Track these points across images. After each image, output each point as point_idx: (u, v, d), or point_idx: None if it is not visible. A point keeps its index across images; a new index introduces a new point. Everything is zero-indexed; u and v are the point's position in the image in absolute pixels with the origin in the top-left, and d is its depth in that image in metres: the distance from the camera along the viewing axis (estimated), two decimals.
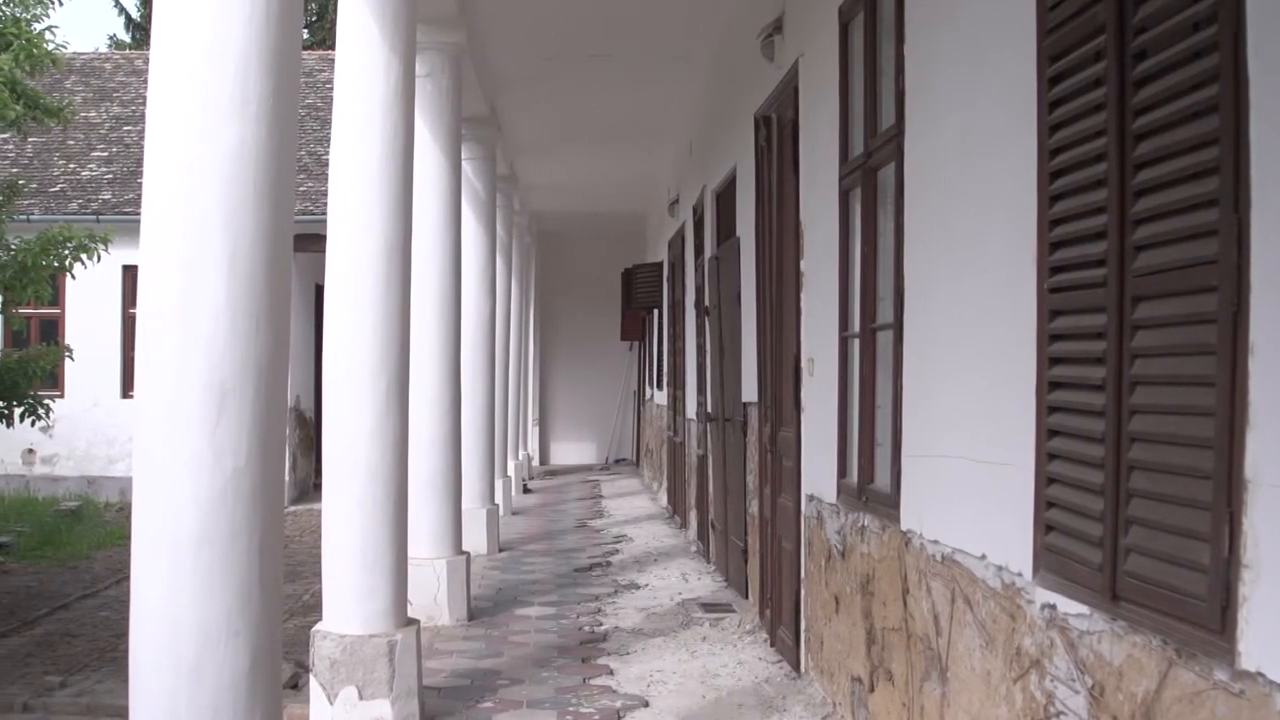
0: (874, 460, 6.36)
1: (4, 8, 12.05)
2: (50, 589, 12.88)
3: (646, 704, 7.49)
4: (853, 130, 6.84)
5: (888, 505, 5.88)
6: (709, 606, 10.45)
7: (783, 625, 8.51)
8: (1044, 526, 3.99)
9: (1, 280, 11.09)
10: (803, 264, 7.97)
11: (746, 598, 10.41)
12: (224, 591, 4.11)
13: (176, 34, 4.23)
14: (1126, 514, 3.43)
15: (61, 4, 12.30)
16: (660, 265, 20.16)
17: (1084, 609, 3.68)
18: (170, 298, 4.16)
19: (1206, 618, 2.99)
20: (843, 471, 6.89)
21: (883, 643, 5.98)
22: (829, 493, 7.12)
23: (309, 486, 20.86)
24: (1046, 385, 3.99)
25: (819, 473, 7.42)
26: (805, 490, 7.82)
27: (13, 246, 11.26)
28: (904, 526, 5.60)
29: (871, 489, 6.27)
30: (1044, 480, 4.00)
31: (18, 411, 11.68)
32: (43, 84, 15.86)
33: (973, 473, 4.75)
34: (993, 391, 4.57)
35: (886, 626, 5.91)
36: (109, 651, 9.94)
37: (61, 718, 8.30)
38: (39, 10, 12.07)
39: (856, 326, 6.65)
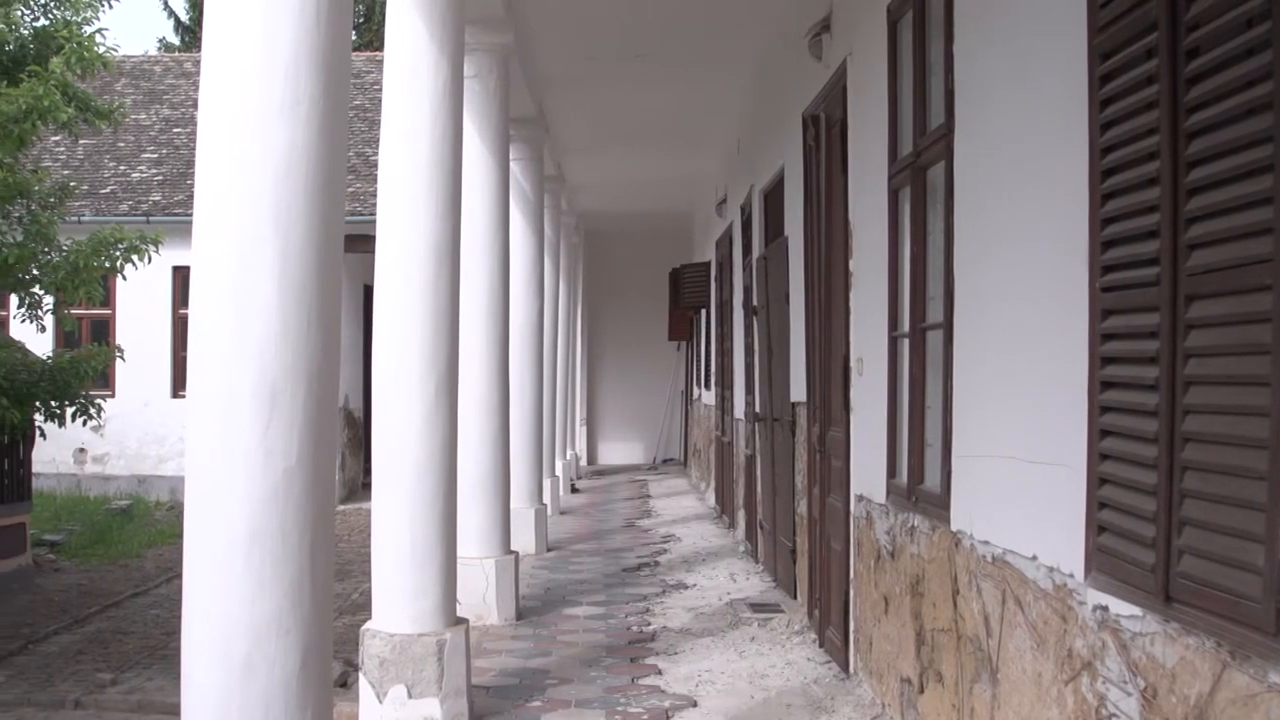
0: (924, 460, 6.33)
1: (55, 11, 12.16)
2: (101, 587, 13.01)
3: (695, 704, 7.49)
4: (902, 129, 6.81)
5: (938, 506, 5.85)
6: (757, 607, 10.44)
7: (831, 626, 8.49)
8: (1096, 527, 3.97)
9: (54, 281, 11.17)
10: (851, 263, 7.95)
11: (795, 598, 10.39)
12: (275, 590, 4.14)
13: (227, 36, 4.27)
14: (1180, 515, 3.41)
15: (111, 7, 12.38)
16: (708, 265, 20.15)
17: (1136, 610, 3.65)
18: (222, 298, 4.20)
19: (1261, 620, 2.96)
20: (892, 472, 6.86)
21: (932, 644, 5.96)
22: (878, 493, 7.10)
23: (358, 486, 20.97)
24: (1099, 385, 3.96)
25: (868, 473, 7.40)
26: (854, 490, 7.79)
27: (64, 248, 11.35)
28: (954, 527, 5.58)
29: (921, 489, 6.25)
30: (1096, 481, 3.97)
31: (69, 411, 11.76)
32: (93, 86, 16.00)
33: (1024, 473, 4.73)
34: (1044, 391, 4.54)
35: (936, 627, 5.88)
36: (160, 649, 10.03)
37: (113, 714, 8.39)
38: (89, 14, 12.16)
39: (906, 326, 6.63)
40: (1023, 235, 4.83)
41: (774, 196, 12.05)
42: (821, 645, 8.78)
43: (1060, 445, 4.28)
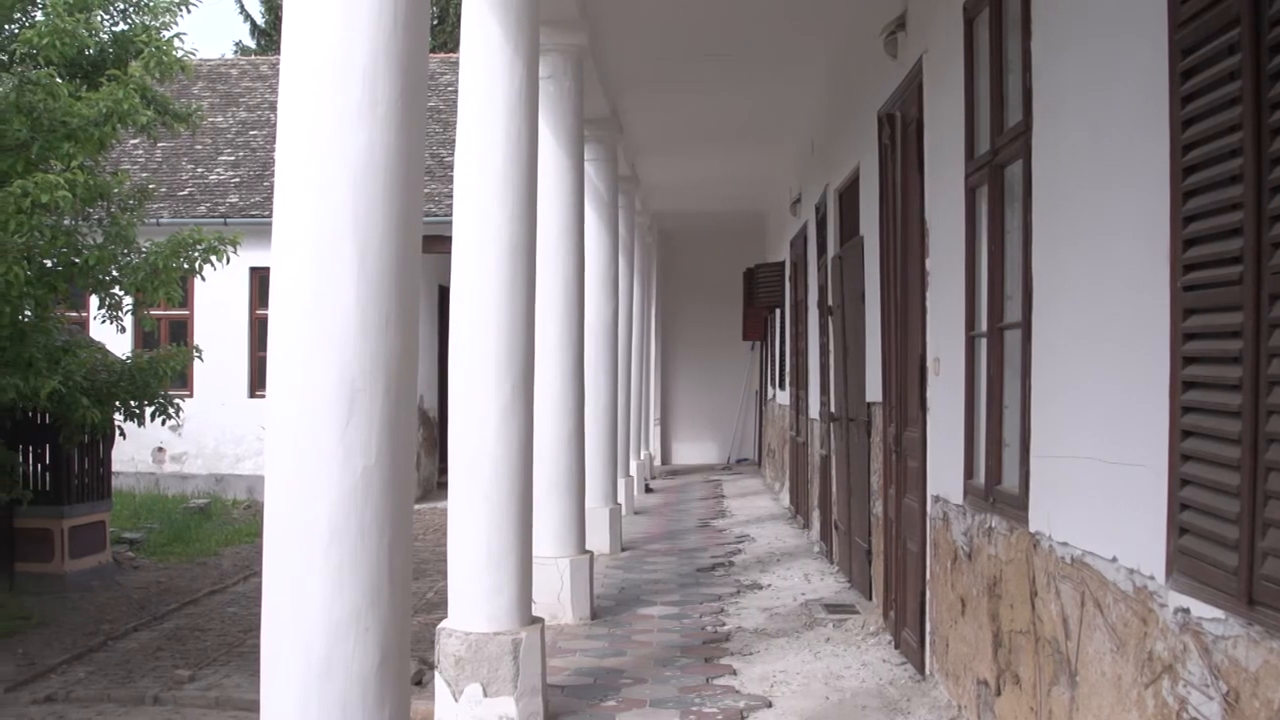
0: (1001, 461, 6.28)
1: (134, 16, 12.31)
2: (179, 585, 13.17)
3: (770, 704, 7.47)
4: (979, 127, 6.76)
5: (1016, 506, 5.81)
6: (832, 607, 10.40)
7: (907, 627, 8.44)
8: (1178, 529, 3.92)
9: (133, 282, 11.32)
10: (928, 263, 7.91)
11: (870, 599, 10.34)
12: (354, 588, 4.18)
13: (306, 39, 4.31)
14: (1264, 517, 3.36)
15: (189, 11, 12.53)
16: (782, 265, 20.09)
17: (1219, 613, 3.60)
18: (301, 299, 4.24)
19: None
20: (969, 472, 6.81)
21: (1010, 646, 5.91)
22: (955, 494, 7.06)
23: (432, 485, 21.10)
24: (1180, 385, 3.92)
25: (945, 473, 7.35)
26: (931, 491, 7.75)
27: (144, 249, 11.49)
28: (1032, 528, 5.53)
29: (999, 490, 6.20)
30: (1178, 482, 3.92)
31: (148, 411, 11.94)
32: (171, 90, 16.16)
33: (1104, 474, 4.68)
34: (1124, 391, 4.49)
35: (1014, 629, 5.84)
36: (237, 646, 10.15)
37: (191, 711, 8.49)
38: (168, 18, 12.31)
39: (983, 325, 6.58)
40: (1102, 233, 4.78)
41: (849, 196, 12.00)
42: (897, 646, 8.74)
43: (1141, 446, 4.24)
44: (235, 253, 12.03)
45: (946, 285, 7.36)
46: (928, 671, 7.86)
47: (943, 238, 7.50)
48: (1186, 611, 3.83)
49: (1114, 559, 4.51)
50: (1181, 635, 3.87)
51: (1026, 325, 5.72)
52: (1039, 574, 5.43)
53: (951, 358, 7.21)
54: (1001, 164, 6.30)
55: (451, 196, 7.63)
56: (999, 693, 6.11)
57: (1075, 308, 5.10)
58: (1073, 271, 5.14)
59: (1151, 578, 4.13)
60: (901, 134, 8.93)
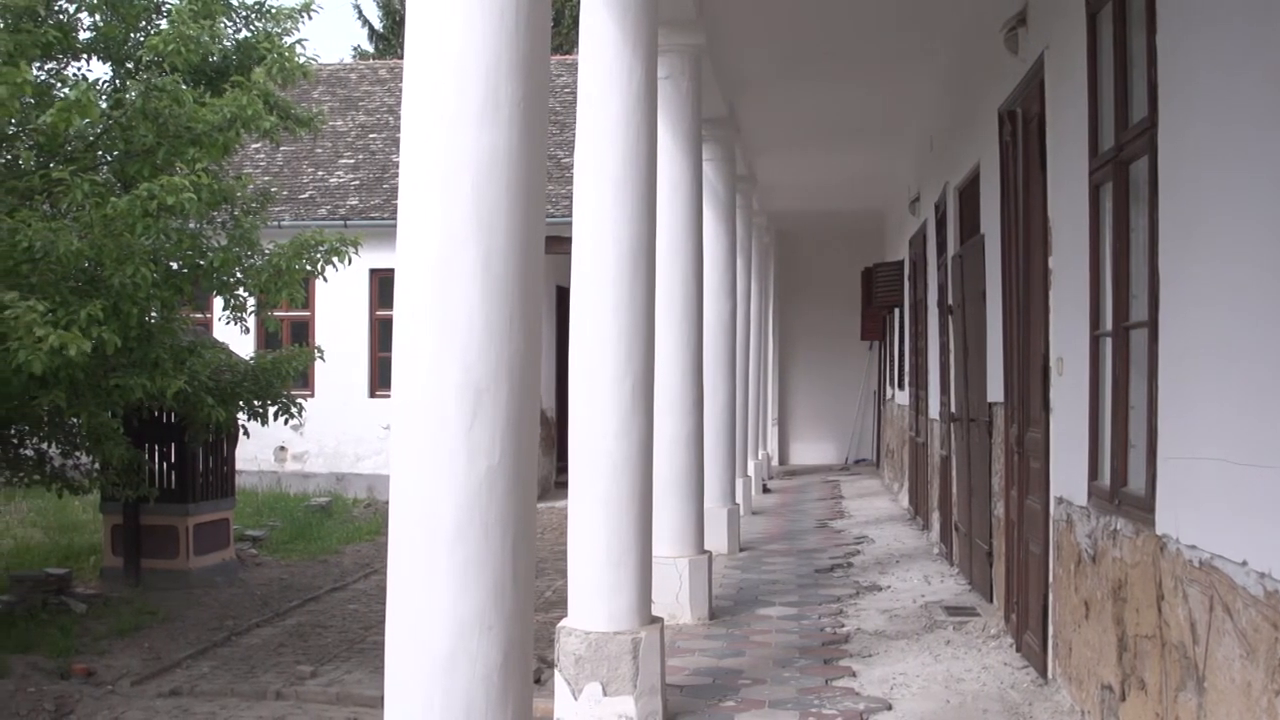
0: (1127, 462, 6.19)
1: (256, 23, 12.54)
2: (301, 582, 13.39)
3: (890, 707, 7.43)
4: (1103, 123, 6.67)
5: (1142, 509, 5.72)
6: (952, 610, 10.31)
7: (1029, 630, 8.35)
8: None
9: (257, 284, 11.51)
10: (1051, 261, 7.81)
11: (991, 601, 10.24)
12: (478, 587, 4.23)
13: (428, 42, 4.38)
14: None
15: (310, 18, 12.71)
16: (901, 264, 19.94)
17: None
18: (426, 300, 4.30)
19: None
20: (1094, 474, 6.72)
21: (1135, 650, 5.83)
22: (1079, 495, 6.96)
23: (550, 484, 21.21)
24: None
25: (1068, 475, 7.26)
26: (1054, 493, 7.65)
27: (266, 251, 11.69)
28: (1159, 531, 5.44)
29: (1125, 492, 6.11)
30: None
31: (271, 410, 12.15)
32: (292, 94, 16.41)
33: (1233, 476, 4.59)
34: (1255, 391, 4.41)
35: (1139, 634, 5.75)
36: (358, 643, 10.30)
37: (312, 705, 8.64)
38: (289, 24, 12.51)
39: (1109, 325, 6.49)
40: (1231, 230, 4.70)
41: (969, 194, 11.89)
42: (1019, 650, 8.64)
43: (1272, 447, 4.16)
44: (356, 254, 12.19)
45: (1070, 284, 7.27)
46: (1050, 675, 7.77)
47: (1066, 235, 7.41)
48: None
49: (1244, 563, 4.43)
50: None
51: (1153, 324, 5.63)
52: (1166, 577, 5.35)
53: (1075, 357, 7.12)
54: (1126, 160, 6.21)
55: (569, 197, 7.68)
56: (1124, 698, 6.02)
57: (1203, 306, 5.02)
58: (1201, 269, 5.05)
59: None
60: (1023, 131, 8.84)
